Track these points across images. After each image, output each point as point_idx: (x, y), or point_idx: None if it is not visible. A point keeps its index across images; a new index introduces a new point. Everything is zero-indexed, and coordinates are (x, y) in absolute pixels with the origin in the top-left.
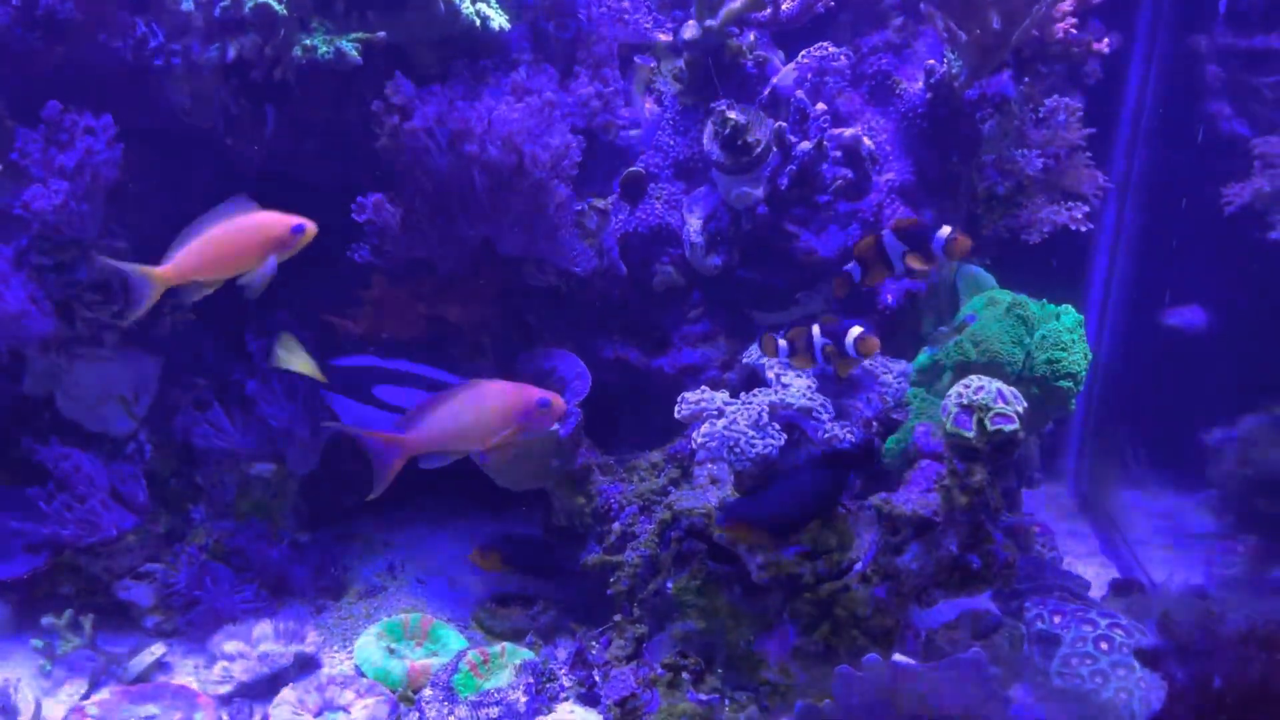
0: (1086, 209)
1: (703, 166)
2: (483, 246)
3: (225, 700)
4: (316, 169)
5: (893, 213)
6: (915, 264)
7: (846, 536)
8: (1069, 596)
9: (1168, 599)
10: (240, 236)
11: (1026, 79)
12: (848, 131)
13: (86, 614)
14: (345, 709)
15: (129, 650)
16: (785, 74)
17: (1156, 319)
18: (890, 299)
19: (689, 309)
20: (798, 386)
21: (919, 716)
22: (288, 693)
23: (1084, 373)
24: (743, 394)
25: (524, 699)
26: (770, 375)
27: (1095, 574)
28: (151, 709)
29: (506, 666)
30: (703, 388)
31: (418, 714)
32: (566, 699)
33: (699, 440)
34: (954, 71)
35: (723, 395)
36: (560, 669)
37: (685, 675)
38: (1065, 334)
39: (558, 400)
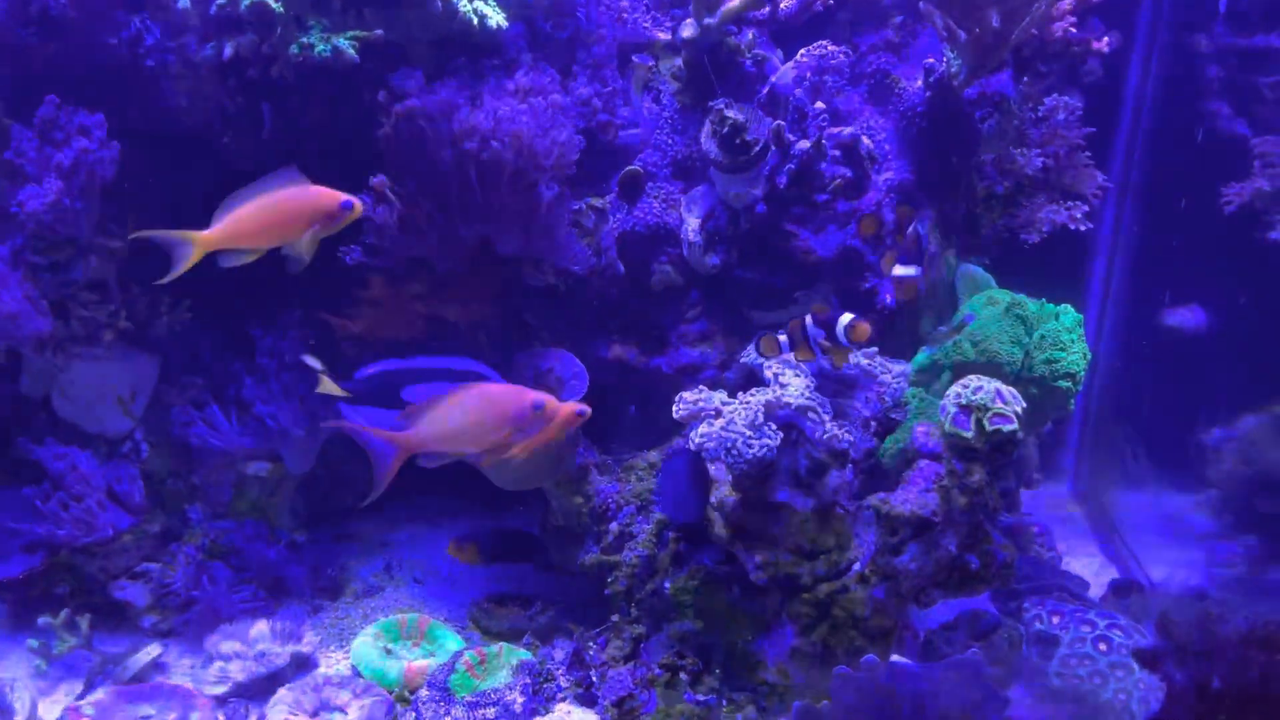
0: (1086, 208)
1: (701, 165)
2: (481, 246)
3: (222, 700)
4: (314, 168)
5: (892, 212)
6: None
7: (845, 537)
8: (1068, 597)
9: (1167, 600)
10: (289, 206)
11: (1026, 78)
12: (846, 130)
13: (83, 614)
14: (342, 709)
15: (125, 650)
16: (784, 72)
17: (1156, 318)
18: (889, 299)
19: (687, 308)
20: (796, 386)
21: (917, 718)
22: (284, 693)
23: (1083, 373)
24: (740, 394)
25: (521, 699)
26: (768, 375)
27: (1094, 574)
28: (147, 709)
29: (503, 667)
30: (700, 387)
31: (414, 714)
32: (564, 699)
33: (696, 440)
34: (953, 70)
35: (721, 395)
36: (557, 669)
37: (683, 676)
38: (1064, 334)
39: (552, 402)
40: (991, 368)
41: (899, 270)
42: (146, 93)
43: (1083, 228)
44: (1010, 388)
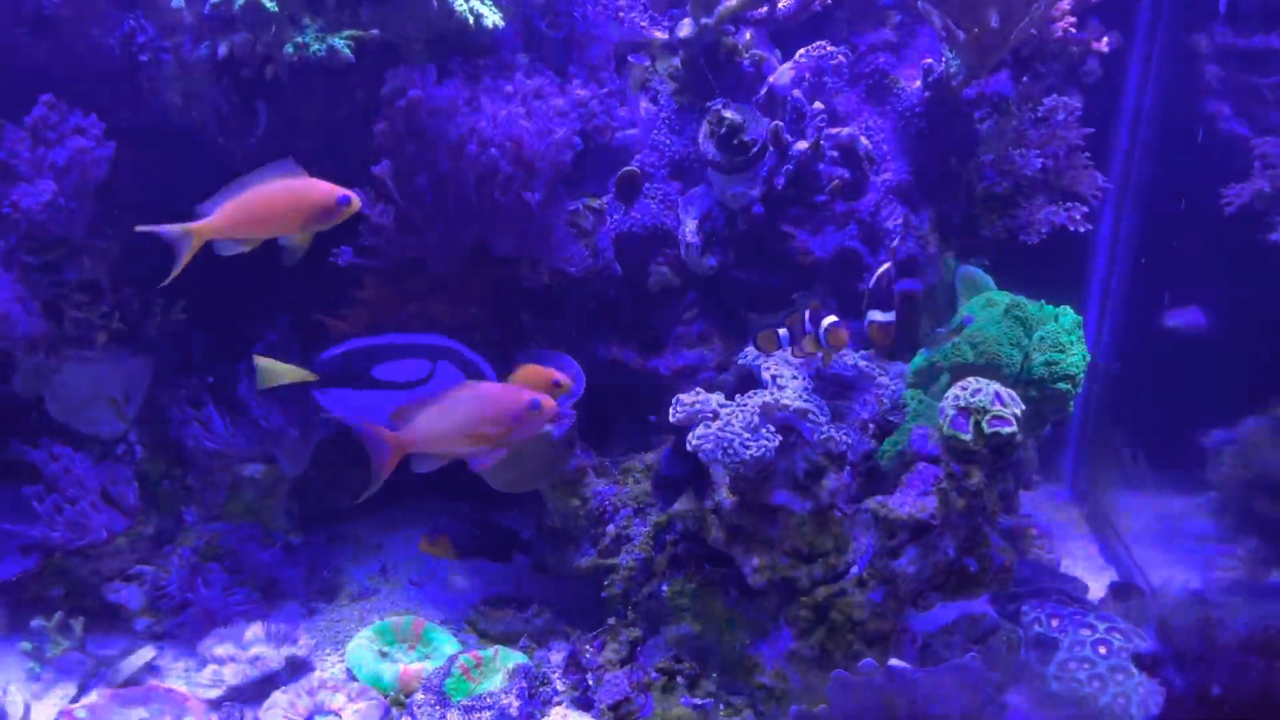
0: (1085, 209)
1: (698, 166)
2: (477, 247)
3: (215, 704)
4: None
5: (890, 213)
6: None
7: (842, 540)
8: (1067, 599)
9: (1166, 603)
10: (286, 199)
11: (1025, 78)
12: (845, 131)
13: (76, 617)
14: (336, 713)
15: (119, 653)
16: (782, 73)
17: (1156, 320)
18: (892, 271)
19: (684, 310)
20: (793, 388)
21: None
22: (278, 696)
23: (1082, 374)
24: (738, 396)
25: (517, 703)
26: (766, 377)
27: (1093, 576)
28: (141, 712)
29: (499, 670)
30: (697, 390)
31: (409, 718)
32: (560, 703)
33: (694, 442)
34: (952, 70)
35: (718, 397)
36: (554, 673)
37: (680, 680)
38: (1064, 335)
39: (548, 402)
40: (990, 370)
41: (877, 316)
42: (140, 92)
43: (1082, 229)
44: (1009, 390)
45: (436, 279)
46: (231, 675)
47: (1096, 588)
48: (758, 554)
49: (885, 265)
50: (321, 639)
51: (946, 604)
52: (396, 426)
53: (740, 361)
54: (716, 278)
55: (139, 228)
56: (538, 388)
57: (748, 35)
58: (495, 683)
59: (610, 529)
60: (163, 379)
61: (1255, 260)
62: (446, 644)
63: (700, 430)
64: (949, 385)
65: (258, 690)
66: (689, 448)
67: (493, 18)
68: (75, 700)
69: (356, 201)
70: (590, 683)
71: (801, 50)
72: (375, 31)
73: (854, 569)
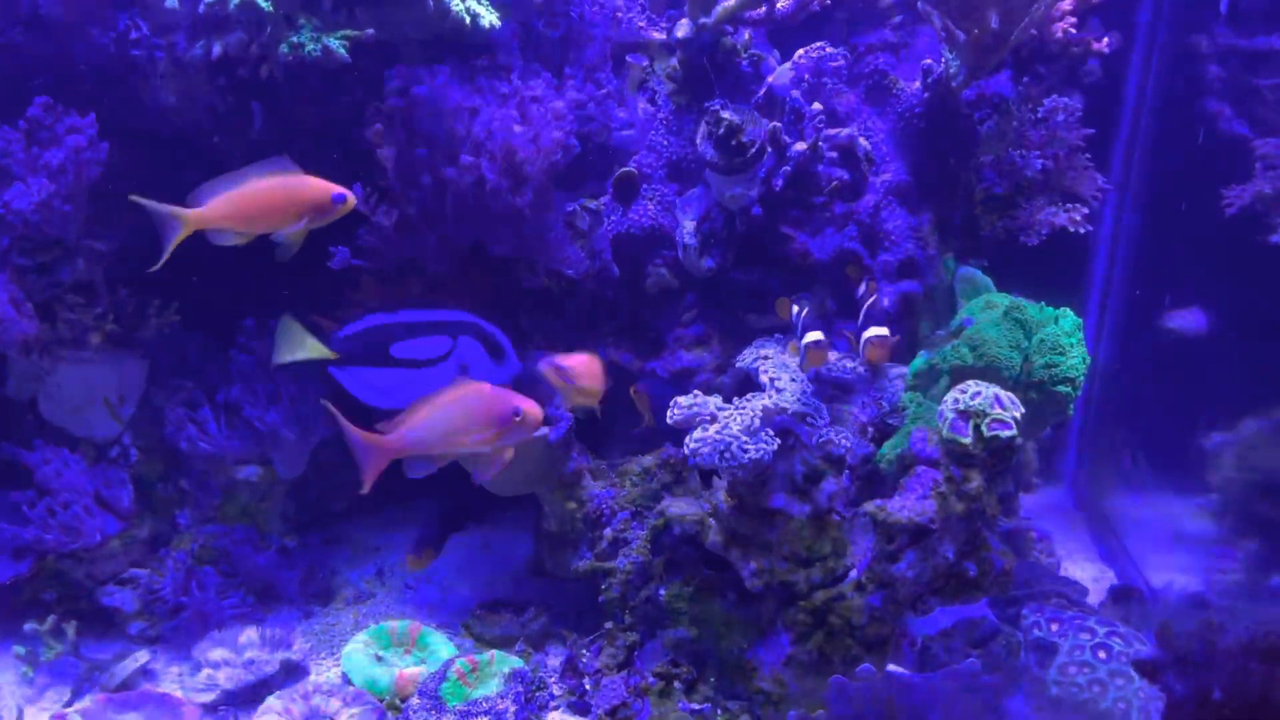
0: (1085, 210)
1: (696, 167)
2: (473, 248)
3: (210, 708)
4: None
5: (890, 214)
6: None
7: (841, 544)
8: (1066, 603)
9: (1167, 607)
10: (281, 194)
11: (1025, 79)
12: (843, 132)
13: (70, 620)
14: (331, 718)
15: (113, 657)
16: (781, 73)
17: (1156, 322)
18: (886, 302)
19: (682, 311)
20: (792, 391)
21: None
22: (273, 701)
23: (1082, 377)
24: (736, 399)
25: (513, 708)
26: (764, 379)
27: (1093, 579)
28: (135, 717)
29: (495, 675)
30: (695, 392)
31: None
32: (556, 708)
33: (691, 446)
34: (952, 71)
35: (716, 400)
36: (550, 677)
37: (677, 684)
38: (1064, 338)
39: (531, 408)
40: (990, 372)
41: (873, 331)
42: (135, 92)
43: (1082, 230)
44: (1009, 393)
45: (434, 280)
46: (226, 679)
47: (1096, 590)
48: (756, 558)
49: (870, 301)
50: (317, 643)
51: (945, 608)
52: (386, 430)
53: (738, 364)
54: (715, 279)
55: (134, 197)
56: (592, 374)
57: (746, 35)
58: (491, 688)
59: (607, 532)
60: (158, 381)
61: (1256, 261)
62: (442, 648)
63: (698, 433)
64: (948, 388)
65: (252, 695)
66: (686, 451)
67: (489, 17)
68: (69, 704)
69: (352, 199)
70: (587, 687)
71: (800, 51)
72: (371, 31)
73: (852, 573)
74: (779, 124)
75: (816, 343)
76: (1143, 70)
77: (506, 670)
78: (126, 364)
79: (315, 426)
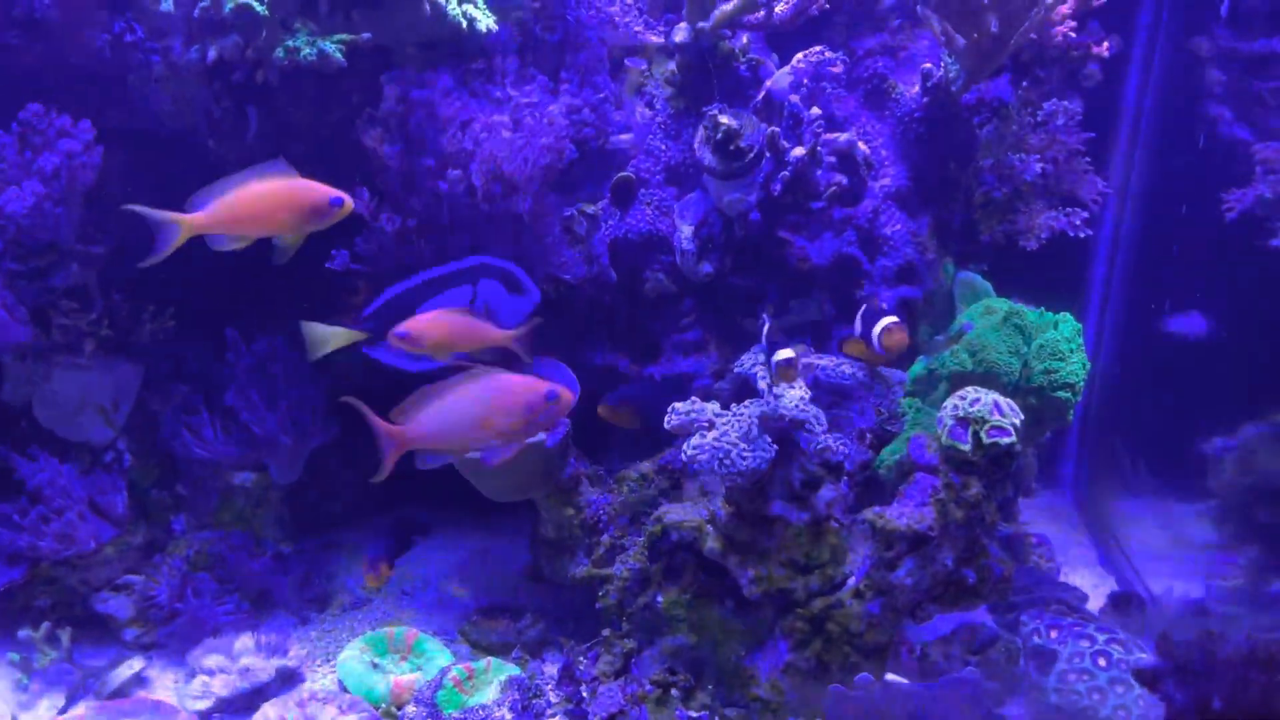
0: (1085, 214)
1: (694, 171)
2: (470, 251)
3: (204, 716)
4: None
5: (889, 219)
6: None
7: (839, 551)
8: (1066, 610)
9: (1166, 613)
10: (278, 198)
11: (1025, 83)
12: (842, 136)
13: (64, 627)
14: None
15: (107, 664)
16: (780, 77)
17: (1157, 326)
18: (885, 307)
19: (680, 317)
20: (790, 397)
21: None
22: (268, 709)
23: (1082, 383)
24: (734, 405)
25: (509, 716)
26: (763, 385)
27: (1093, 585)
28: None
29: (492, 682)
30: (693, 398)
31: None
32: (554, 716)
33: (689, 452)
34: (951, 75)
35: (714, 406)
36: (547, 684)
37: (674, 692)
38: (1063, 343)
39: (566, 393)
40: (989, 378)
41: (886, 320)
42: (130, 96)
43: (1082, 234)
44: (1008, 399)
45: None
46: (221, 687)
47: (1096, 597)
48: (754, 565)
49: (864, 306)
50: (313, 649)
51: (945, 615)
52: (402, 419)
53: (736, 369)
54: (713, 284)
55: (128, 206)
56: (435, 330)
57: (744, 39)
58: (488, 695)
59: (605, 538)
60: (153, 386)
61: (1256, 266)
62: (439, 655)
63: (696, 440)
64: (947, 394)
65: (247, 702)
66: (684, 458)
67: (486, 21)
68: (63, 712)
69: (349, 203)
70: (584, 695)
71: (799, 55)
72: (368, 36)
73: (851, 580)
74: (777, 129)
75: (788, 360)
76: (1143, 74)
77: (503, 678)
78: (121, 369)
79: (311, 431)
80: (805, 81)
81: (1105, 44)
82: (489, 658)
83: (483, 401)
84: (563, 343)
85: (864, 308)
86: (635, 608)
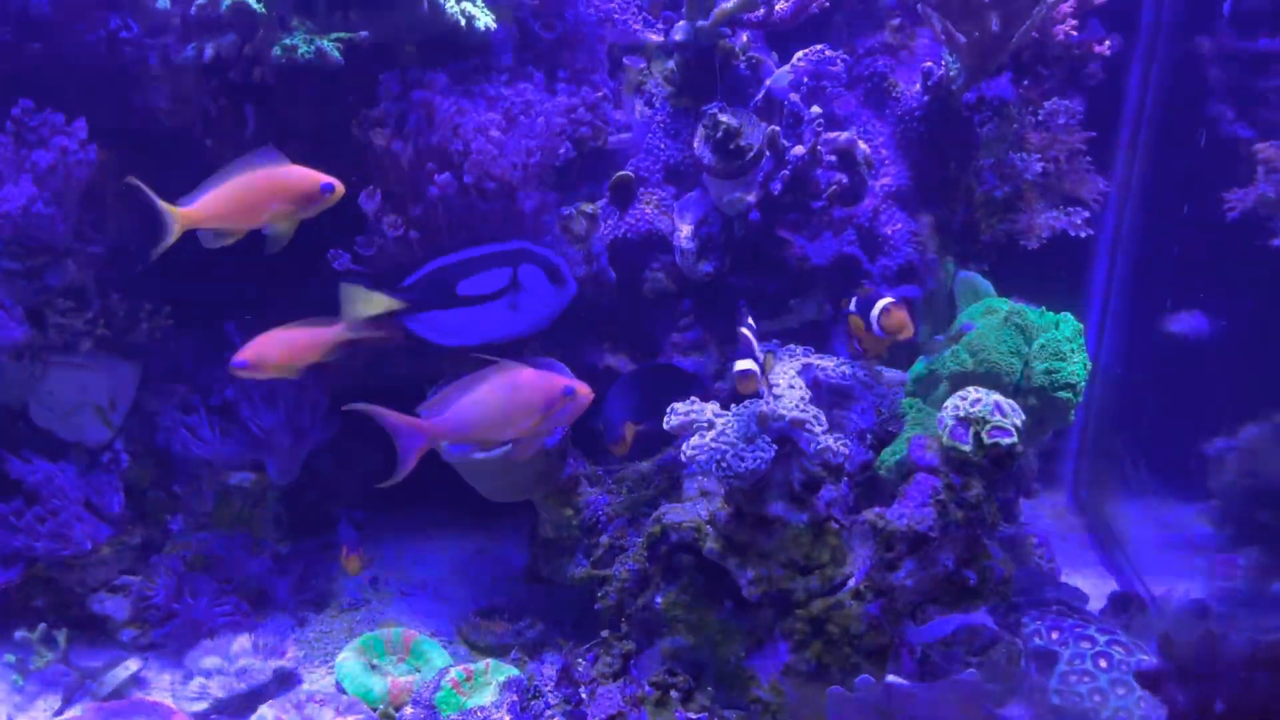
0: (1086, 214)
1: (694, 170)
2: None
3: (202, 717)
4: None
5: (889, 218)
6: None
7: (839, 552)
8: (1067, 611)
9: (1167, 614)
10: (268, 186)
11: (1025, 81)
12: (843, 135)
13: (60, 628)
14: None
15: (104, 665)
16: (780, 76)
17: (1158, 326)
18: (882, 292)
19: (680, 316)
20: (790, 398)
21: None
22: (265, 710)
23: (1083, 383)
24: (734, 405)
25: (508, 718)
26: (762, 386)
27: (1094, 585)
28: None
29: (490, 684)
30: (692, 398)
31: None
32: (552, 717)
33: (688, 453)
34: (951, 74)
35: (713, 406)
36: (546, 686)
37: (674, 693)
38: (1064, 343)
39: (583, 388)
40: (990, 378)
41: (885, 300)
42: (127, 94)
43: (1083, 233)
44: (1009, 400)
45: None
46: (218, 688)
47: (1097, 598)
48: (753, 566)
49: (856, 296)
50: (310, 651)
51: (945, 616)
52: (428, 414)
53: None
54: (712, 284)
55: (130, 180)
56: (274, 352)
57: (744, 38)
58: (486, 697)
59: (603, 539)
60: (150, 385)
61: (1258, 266)
62: (437, 656)
63: (694, 440)
64: (948, 394)
65: (245, 704)
66: (682, 458)
67: (484, 19)
68: (59, 713)
69: (340, 188)
70: (583, 696)
71: (799, 53)
72: (365, 34)
73: (851, 581)
74: (777, 127)
75: (745, 372)
76: (1144, 73)
77: (501, 679)
78: (118, 369)
79: (310, 432)
80: (805, 80)
81: (1107, 43)
82: (487, 659)
83: (505, 396)
84: (562, 343)
85: (856, 299)
86: (634, 609)
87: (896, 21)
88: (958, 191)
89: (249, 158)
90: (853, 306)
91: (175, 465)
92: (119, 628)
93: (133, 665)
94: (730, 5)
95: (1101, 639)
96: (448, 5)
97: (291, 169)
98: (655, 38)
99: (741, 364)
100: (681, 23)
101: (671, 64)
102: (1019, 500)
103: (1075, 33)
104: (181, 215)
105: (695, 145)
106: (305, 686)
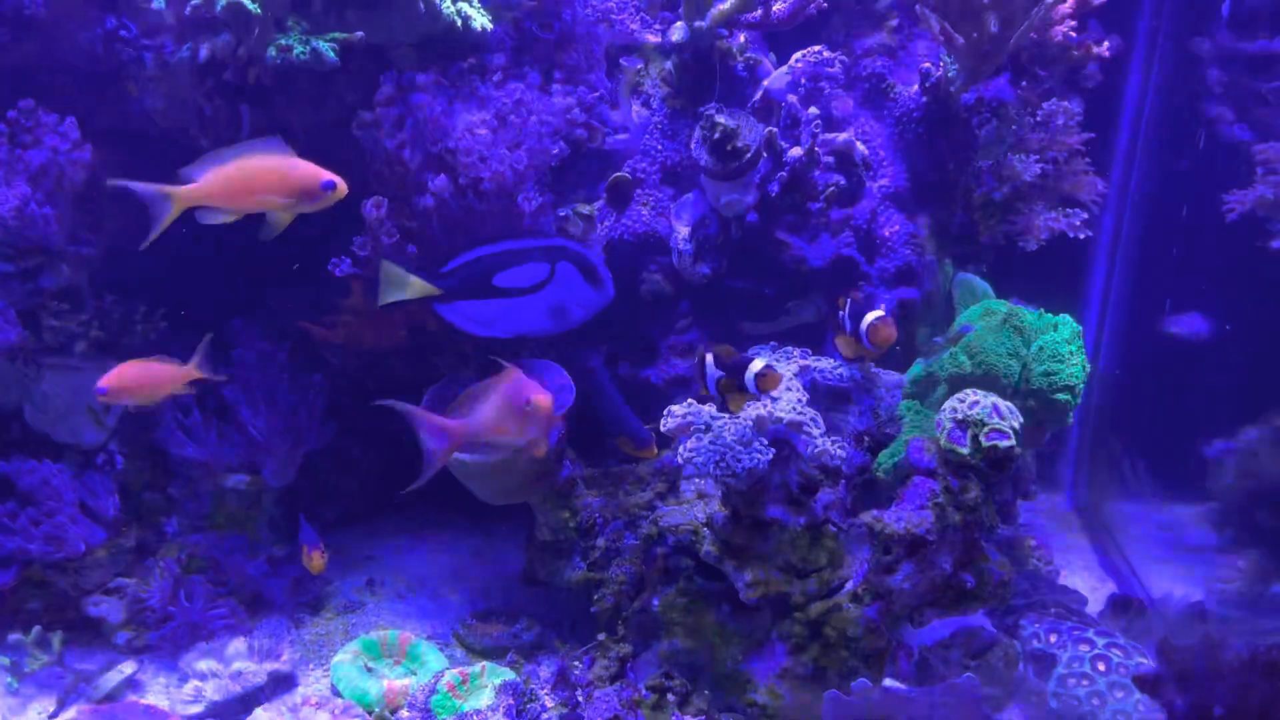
0: (1085, 215)
1: (691, 172)
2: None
3: None
4: None
5: (887, 220)
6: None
7: (837, 554)
8: (1065, 613)
9: (1166, 617)
10: (271, 174)
11: (1024, 82)
12: (840, 136)
13: (55, 630)
14: None
15: (99, 668)
16: (777, 77)
17: (1157, 327)
18: (883, 308)
19: (677, 318)
20: (787, 400)
21: None
22: (261, 713)
23: (1082, 385)
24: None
25: None
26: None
27: (1093, 587)
28: None
29: (486, 687)
30: (690, 400)
31: None
32: None
33: (685, 455)
34: (950, 75)
35: (710, 408)
36: (542, 689)
37: (671, 697)
38: (1063, 345)
39: (541, 397)
40: (989, 380)
41: (873, 315)
42: (122, 94)
43: (1082, 235)
44: (1007, 402)
45: None
46: (213, 691)
47: (1095, 600)
48: (751, 569)
49: (849, 303)
50: (306, 653)
51: (943, 619)
52: (453, 416)
53: None
54: (710, 286)
55: (112, 181)
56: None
57: (742, 38)
58: (482, 700)
59: (600, 541)
60: None
61: (1257, 267)
62: (433, 659)
63: (691, 443)
64: (946, 396)
65: (240, 706)
66: (680, 460)
67: (481, 20)
68: (54, 716)
69: (342, 189)
70: (580, 699)
71: (797, 54)
72: (361, 34)
73: (848, 584)
74: (775, 129)
75: (765, 371)
76: (1143, 74)
77: (498, 682)
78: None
79: (306, 434)
80: (803, 81)
81: (1105, 44)
82: (484, 662)
83: (501, 405)
84: (558, 345)
85: (849, 304)
86: (631, 611)
87: (894, 22)
88: (956, 193)
89: (252, 143)
90: (845, 314)
91: (171, 467)
92: (114, 630)
93: (127, 668)
94: (728, 6)
95: (1100, 642)
96: (444, 6)
97: (296, 161)
98: (653, 38)
99: (756, 364)
100: (679, 23)
101: (669, 65)
102: (1017, 502)
103: (1074, 34)
104: (179, 194)
105: (692, 146)
106: (300, 689)
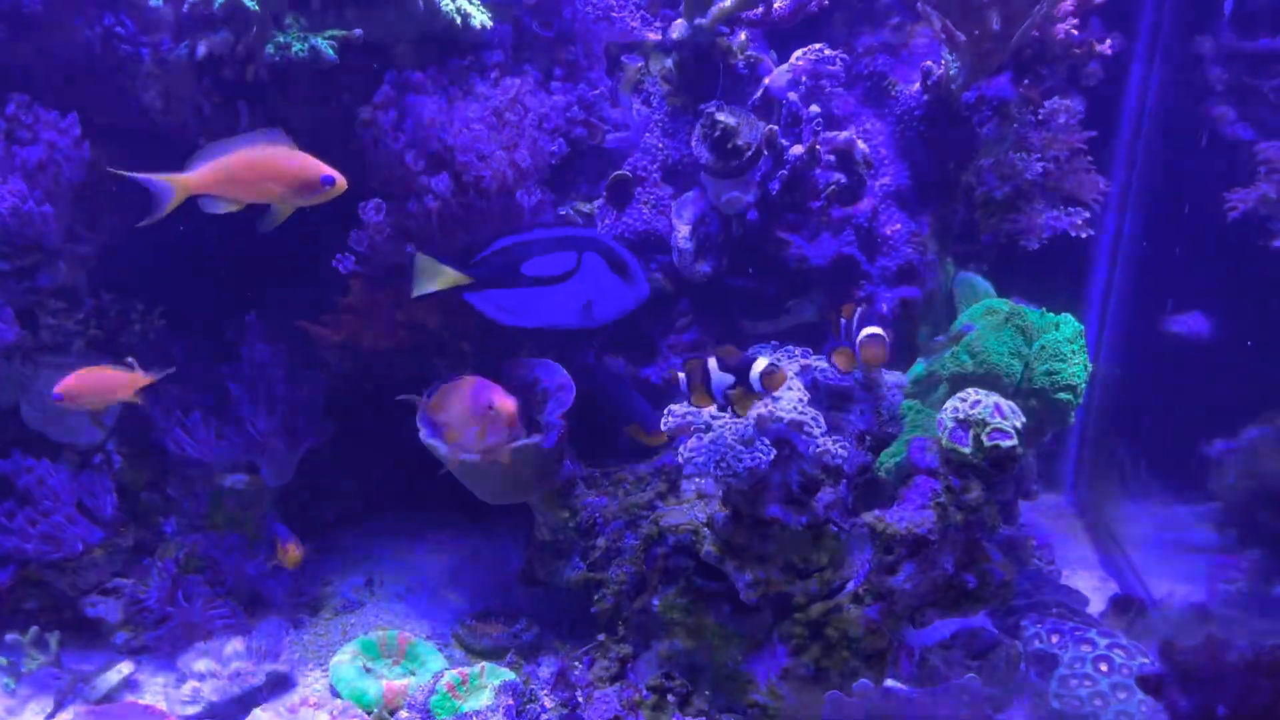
0: (1087, 214)
1: (692, 170)
2: (464, 253)
3: None
4: None
5: (888, 218)
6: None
7: (838, 554)
8: (1067, 613)
9: (1168, 617)
10: (272, 165)
11: (1026, 81)
12: (841, 135)
13: (52, 631)
14: None
15: (96, 668)
16: (778, 75)
17: (1158, 326)
18: (884, 308)
19: (677, 317)
20: (788, 399)
21: None
22: (259, 714)
23: (1083, 384)
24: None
25: None
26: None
27: (1094, 587)
28: None
29: (486, 687)
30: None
31: None
32: None
33: (685, 455)
34: (951, 73)
35: (710, 408)
36: (542, 689)
37: (671, 697)
38: (1064, 344)
39: (503, 403)
40: (990, 380)
41: (868, 331)
42: (121, 91)
43: (1083, 234)
44: (1009, 402)
45: None
46: (211, 691)
47: (1097, 600)
48: (751, 569)
49: (859, 310)
50: (305, 654)
51: (945, 620)
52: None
53: None
54: (710, 284)
55: (115, 170)
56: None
57: (742, 36)
58: (482, 700)
59: (600, 541)
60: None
61: (1259, 266)
62: (432, 659)
63: (692, 443)
64: (947, 395)
65: (238, 707)
66: (680, 460)
67: (480, 17)
68: (51, 717)
69: (341, 183)
70: (579, 700)
71: (798, 52)
72: (359, 32)
73: (850, 585)
74: (776, 127)
75: (770, 369)
76: (1145, 72)
77: (497, 682)
78: None
79: (305, 434)
80: (804, 79)
81: (1107, 42)
82: (483, 662)
83: (467, 406)
84: (558, 344)
85: (859, 312)
86: (631, 612)
87: (896, 20)
88: (957, 191)
89: (254, 134)
90: (853, 322)
91: (169, 467)
92: (111, 630)
93: (125, 668)
94: (729, 3)
95: (1102, 642)
96: (443, 3)
97: (296, 154)
98: (653, 36)
99: (761, 363)
100: (680, 21)
101: (670, 62)
102: (1019, 502)
103: (1076, 32)
104: (182, 182)
105: (693, 144)
106: (299, 690)
